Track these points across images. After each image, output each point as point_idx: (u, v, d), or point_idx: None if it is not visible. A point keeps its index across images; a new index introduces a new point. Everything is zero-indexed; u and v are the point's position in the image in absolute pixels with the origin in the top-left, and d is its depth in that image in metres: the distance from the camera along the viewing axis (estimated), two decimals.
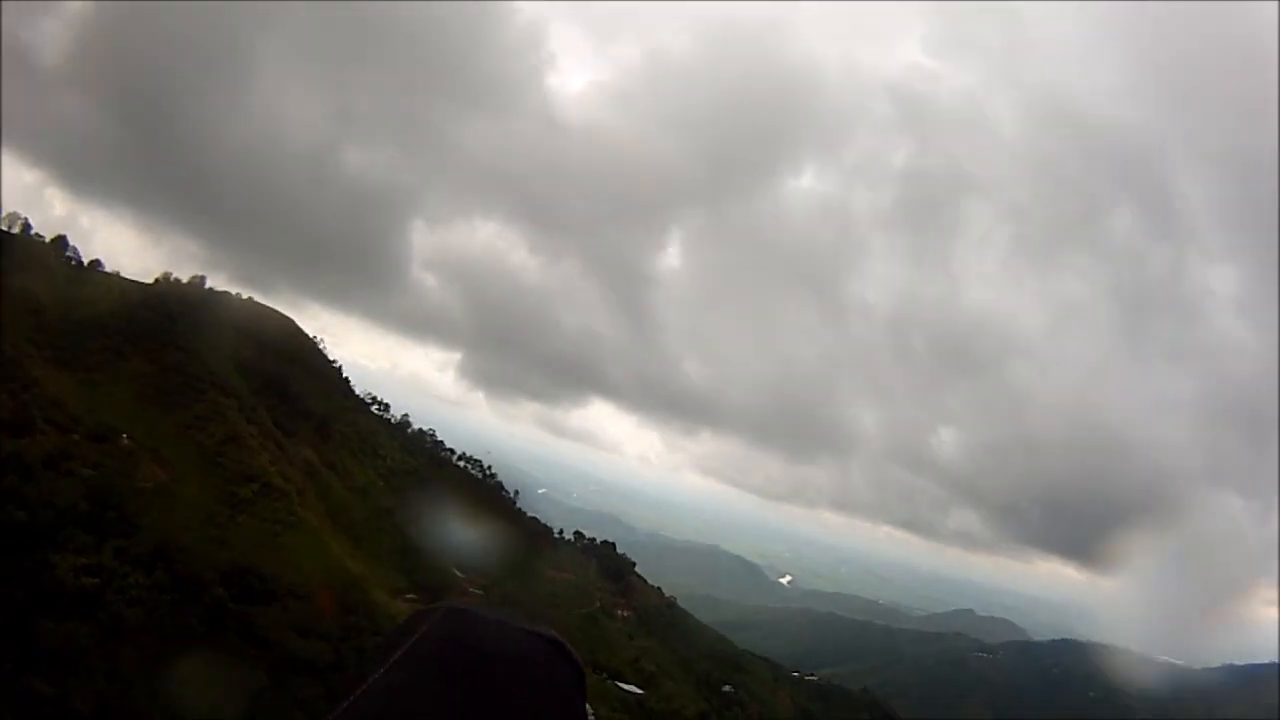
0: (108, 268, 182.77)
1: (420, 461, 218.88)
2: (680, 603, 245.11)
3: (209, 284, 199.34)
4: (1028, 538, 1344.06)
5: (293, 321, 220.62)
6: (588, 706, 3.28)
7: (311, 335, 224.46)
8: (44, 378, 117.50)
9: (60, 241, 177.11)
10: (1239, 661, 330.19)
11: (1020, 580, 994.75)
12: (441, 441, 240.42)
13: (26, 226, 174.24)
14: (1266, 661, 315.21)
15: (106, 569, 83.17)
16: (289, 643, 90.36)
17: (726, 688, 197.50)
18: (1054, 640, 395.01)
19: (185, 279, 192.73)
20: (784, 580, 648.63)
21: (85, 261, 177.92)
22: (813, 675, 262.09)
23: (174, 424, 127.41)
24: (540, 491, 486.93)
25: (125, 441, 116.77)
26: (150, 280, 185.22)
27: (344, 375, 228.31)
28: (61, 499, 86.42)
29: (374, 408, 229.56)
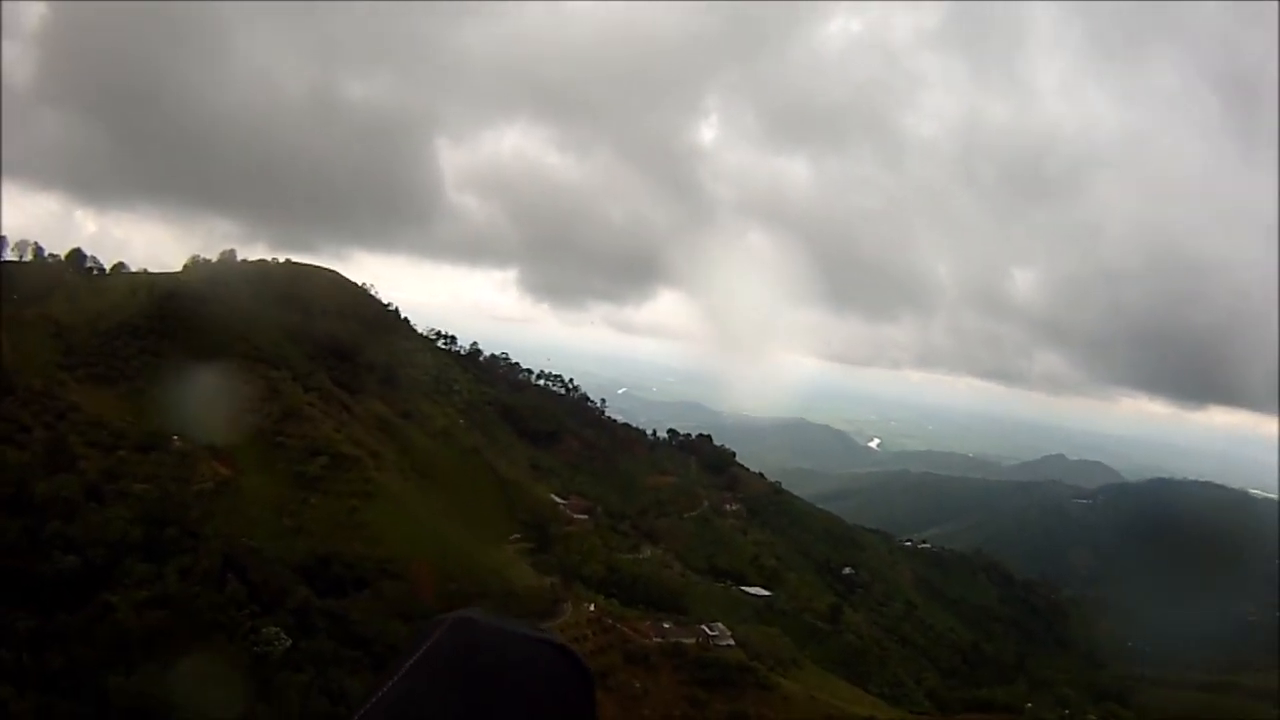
0: (149, 269, 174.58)
1: (498, 389, 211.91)
2: (774, 479, 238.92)
3: (241, 257, 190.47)
4: (1112, 375, 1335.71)
5: (337, 274, 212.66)
6: (596, 713, 3.28)
7: (360, 284, 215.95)
8: (81, 399, 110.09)
9: (77, 255, 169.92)
10: None
11: (1107, 420, 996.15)
12: (517, 363, 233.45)
13: (39, 250, 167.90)
14: None
15: (174, 597, 75.33)
16: (390, 632, 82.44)
17: (847, 570, 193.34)
18: (1149, 480, 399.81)
19: (215, 258, 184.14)
20: (873, 444, 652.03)
21: (108, 269, 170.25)
22: (925, 542, 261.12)
23: (225, 412, 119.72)
24: (620, 391, 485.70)
25: (177, 444, 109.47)
26: (179, 268, 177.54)
27: (403, 317, 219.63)
28: (111, 529, 78.35)
29: (440, 342, 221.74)
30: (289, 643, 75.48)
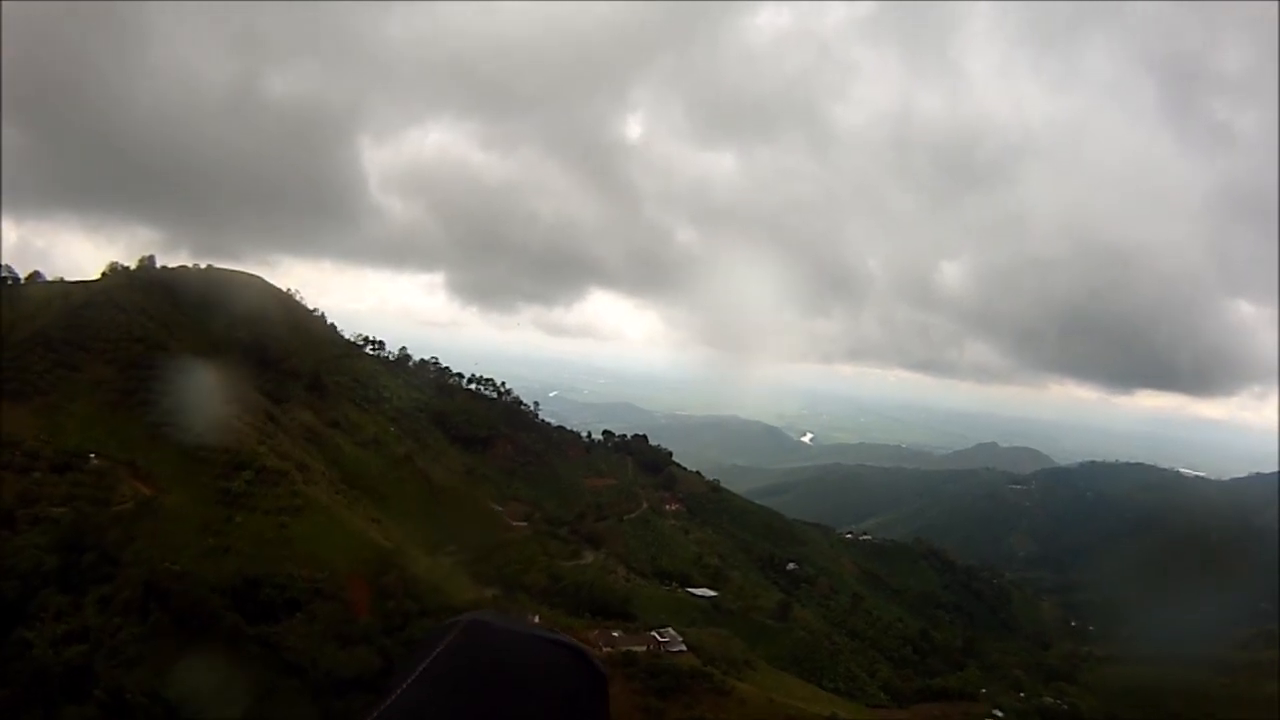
0: (67, 279, 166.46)
1: (429, 394, 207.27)
2: (709, 477, 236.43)
3: (162, 264, 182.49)
4: (1041, 362, 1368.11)
5: (260, 279, 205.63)
6: (609, 714, 3.34)
7: (286, 290, 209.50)
8: None
9: None
10: (1266, 470, 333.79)
11: (1037, 407, 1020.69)
12: (447, 368, 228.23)
13: None
14: None
15: (94, 630, 70.33)
16: (327, 657, 77.95)
17: (791, 565, 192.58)
18: (1081, 463, 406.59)
19: (134, 265, 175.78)
20: (805, 438, 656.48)
21: (23, 279, 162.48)
22: (866, 534, 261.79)
23: (145, 427, 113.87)
24: (552, 394, 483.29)
25: (94, 462, 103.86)
26: (96, 275, 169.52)
27: (330, 323, 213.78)
28: (24, 559, 73.21)
29: (368, 348, 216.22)
30: (219, 676, 70.86)
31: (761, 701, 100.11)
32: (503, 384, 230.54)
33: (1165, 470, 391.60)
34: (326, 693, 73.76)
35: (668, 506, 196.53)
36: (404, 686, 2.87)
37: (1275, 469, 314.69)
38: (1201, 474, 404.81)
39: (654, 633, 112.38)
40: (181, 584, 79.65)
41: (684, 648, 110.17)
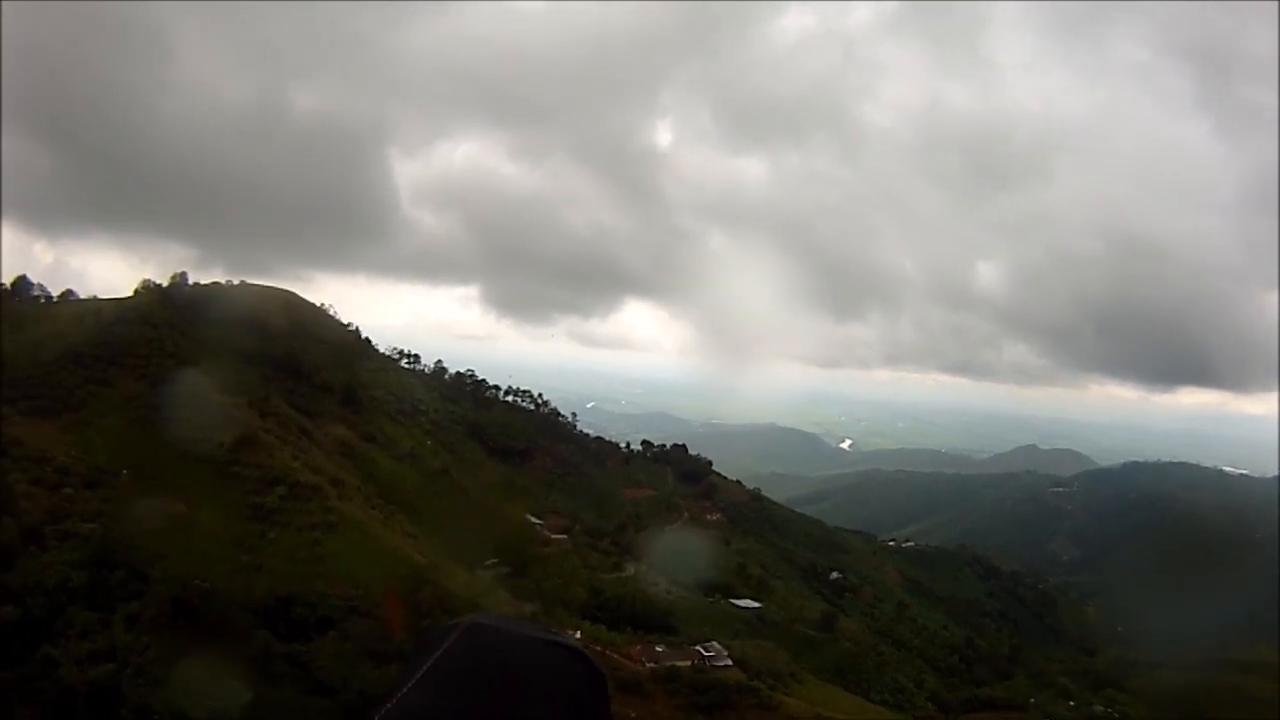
0: (100, 296, 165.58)
1: (465, 407, 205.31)
2: (747, 485, 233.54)
3: (194, 280, 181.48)
4: (1080, 362, 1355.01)
5: (294, 295, 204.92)
6: (610, 714, 3.34)
7: (319, 305, 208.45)
8: (23, 434, 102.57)
9: (21, 283, 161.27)
10: None
11: (1077, 408, 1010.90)
12: (483, 380, 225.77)
13: None
14: None
15: (121, 649, 68.41)
16: (359, 677, 75.73)
17: (834, 574, 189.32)
18: (1123, 464, 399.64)
19: (166, 282, 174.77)
20: (844, 445, 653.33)
21: (56, 297, 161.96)
22: (909, 541, 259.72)
23: (177, 442, 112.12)
24: (589, 405, 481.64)
25: (125, 478, 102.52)
26: (129, 293, 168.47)
27: (364, 337, 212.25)
28: (51, 575, 71.48)
29: (403, 362, 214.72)
30: (249, 695, 68.77)
31: (809, 716, 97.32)
32: (539, 395, 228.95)
33: (1208, 469, 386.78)
34: (358, 712, 71.51)
35: (709, 516, 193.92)
36: (406, 688, 2.86)
37: None
38: (1245, 472, 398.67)
39: (699, 647, 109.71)
40: (211, 600, 77.89)
41: (729, 661, 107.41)
